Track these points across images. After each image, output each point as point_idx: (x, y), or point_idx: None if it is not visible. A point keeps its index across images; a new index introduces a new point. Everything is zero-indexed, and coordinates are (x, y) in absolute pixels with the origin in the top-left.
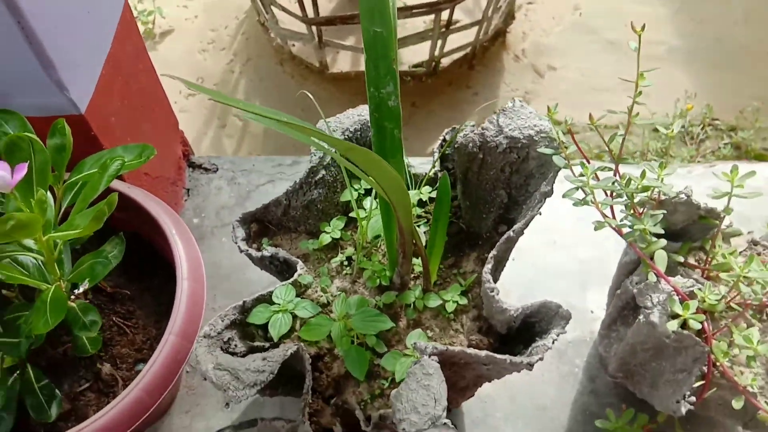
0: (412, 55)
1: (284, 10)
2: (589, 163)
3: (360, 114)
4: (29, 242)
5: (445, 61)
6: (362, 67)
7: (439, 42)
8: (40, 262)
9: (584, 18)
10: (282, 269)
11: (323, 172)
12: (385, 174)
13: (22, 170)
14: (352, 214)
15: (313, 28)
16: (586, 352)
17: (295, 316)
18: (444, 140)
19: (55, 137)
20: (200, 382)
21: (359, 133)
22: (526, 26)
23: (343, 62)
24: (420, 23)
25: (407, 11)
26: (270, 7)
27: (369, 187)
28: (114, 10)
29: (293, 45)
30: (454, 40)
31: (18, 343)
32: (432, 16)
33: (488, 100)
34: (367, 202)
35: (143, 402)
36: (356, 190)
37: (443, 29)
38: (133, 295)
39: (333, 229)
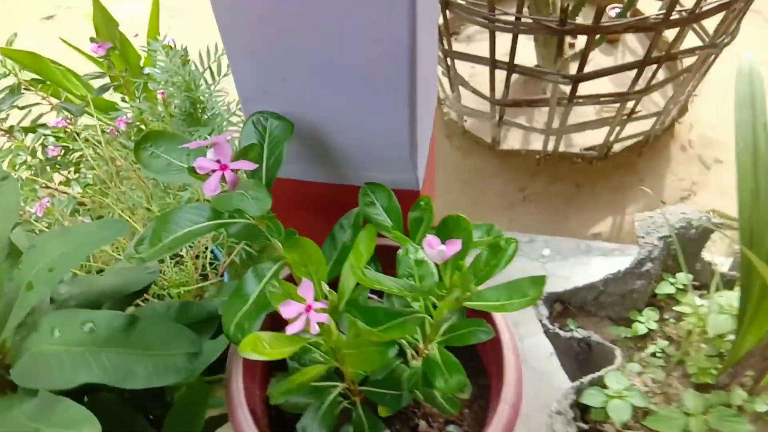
0: (585, 139)
1: (474, 91)
2: None
3: (683, 213)
4: (415, 304)
5: (617, 147)
6: (532, 146)
7: (617, 129)
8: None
9: None
10: (582, 352)
11: (649, 264)
12: None
13: (457, 246)
14: (681, 308)
15: (497, 107)
16: None
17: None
18: None
19: (416, 211)
20: None
21: (683, 229)
22: (693, 117)
23: (513, 139)
24: (590, 109)
25: (596, 98)
26: (458, 86)
27: (685, 282)
28: (433, 103)
29: (465, 121)
30: (629, 128)
31: (399, 396)
32: (616, 105)
33: (653, 187)
34: (685, 297)
35: None
36: (672, 284)
37: (625, 117)
38: None
39: (647, 320)
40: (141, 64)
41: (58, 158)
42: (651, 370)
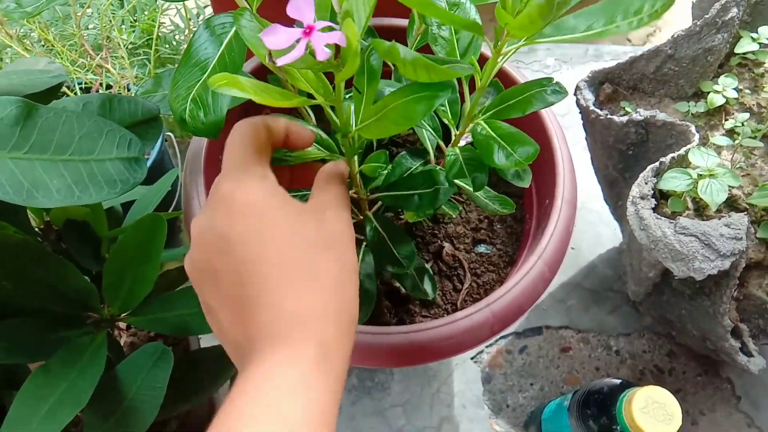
0: None
1: None
2: None
3: None
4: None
5: None
6: None
7: None
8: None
9: None
10: (636, 143)
11: (734, 10)
12: None
13: None
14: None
15: None
16: None
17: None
18: None
19: None
20: None
21: None
22: None
23: None
24: None
25: None
26: None
27: None
28: None
29: None
30: None
31: (435, 191)
32: None
33: None
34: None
35: (544, 277)
36: (755, 39)
37: None
38: None
39: (724, 88)
40: None
41: None
42: (746, 141)
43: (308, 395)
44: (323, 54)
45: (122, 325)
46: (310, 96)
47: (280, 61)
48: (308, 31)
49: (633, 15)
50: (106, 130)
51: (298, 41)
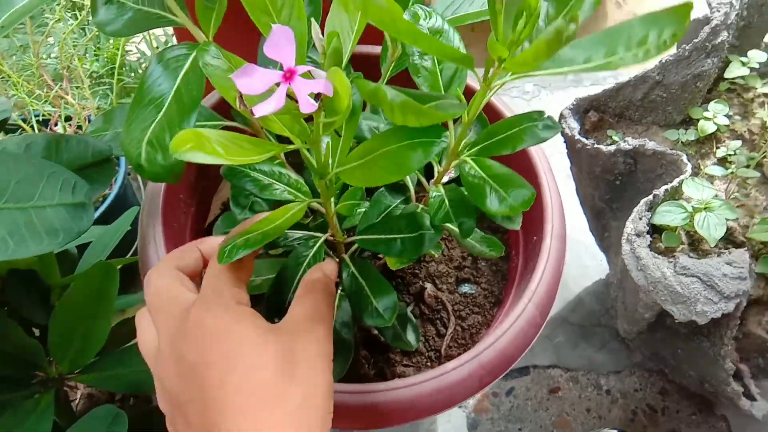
0: None
1: None
2: None
3: None
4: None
5: None
6: None
7: None
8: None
9: None
10: (624, 173)
11: (724, 33)
12: None
13: None
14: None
15: None
16: None
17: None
18: None
19: None
20: None
21: None
22: None
23: None
24: None
25: None
26: None
27: (761, 60)
28: None
29: None
30: None
31: (420, 237)
32: None
33: None
34: (758, 81)
35: (535, 322)
36: (744, 64)
37: None
38: None
39: (715, 114)
40: None
41: None
42: (741, 171)
43: None
44: (308, 106)
45: None
46: (287, 141)
47: (258, 111)
48: (289, 75)
49: (637, 46)
50: (48, 173)
51: (277, 85)
